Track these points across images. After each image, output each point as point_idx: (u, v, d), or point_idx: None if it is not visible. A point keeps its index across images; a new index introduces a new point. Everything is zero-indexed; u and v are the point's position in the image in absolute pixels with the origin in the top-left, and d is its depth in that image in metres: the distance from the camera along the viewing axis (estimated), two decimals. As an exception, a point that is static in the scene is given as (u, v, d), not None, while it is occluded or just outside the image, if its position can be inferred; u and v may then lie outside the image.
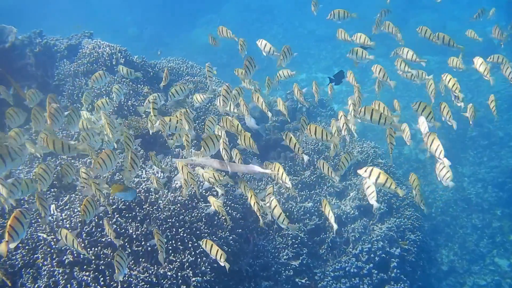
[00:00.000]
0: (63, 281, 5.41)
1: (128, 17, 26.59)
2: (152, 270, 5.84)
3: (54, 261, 5.58)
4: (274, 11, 26.76)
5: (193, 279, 5.96)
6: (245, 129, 5.74)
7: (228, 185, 7.23)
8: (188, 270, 5.98)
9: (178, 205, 6.43)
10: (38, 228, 5.84)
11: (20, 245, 5.68)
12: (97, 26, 22.79)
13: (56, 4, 26.74)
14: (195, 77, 9.63)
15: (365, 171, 4.66)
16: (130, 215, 6.17)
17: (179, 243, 6.15)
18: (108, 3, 27.49)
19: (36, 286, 5.44)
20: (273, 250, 7.41)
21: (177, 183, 6.68)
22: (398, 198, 8.70)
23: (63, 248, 5.59)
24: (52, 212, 6.03)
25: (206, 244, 5.05)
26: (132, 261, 5.83)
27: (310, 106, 11.36)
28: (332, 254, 7.82)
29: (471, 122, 5.95)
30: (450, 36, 6.27)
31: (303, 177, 8.52)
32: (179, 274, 5.91)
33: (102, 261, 5.68)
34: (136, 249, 5.92)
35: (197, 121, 8.33)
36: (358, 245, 7.84)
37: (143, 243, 5.96)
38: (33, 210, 5.78)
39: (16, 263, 5.60)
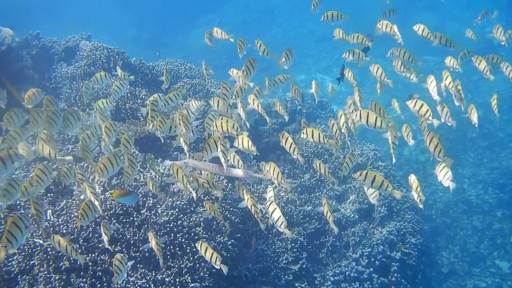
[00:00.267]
0: (60, 288, 5.35)
1: (127, 18, 26.53)
2: (150, 276, 5.78)
3: (50, 267, 5.51)
4: (273, 11, 26.71)
5: (192, 285, 5.89)
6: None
7: (227, 189, 7.18)
8: (186, 276, 5.92)
9: (176, 210, 6.37)
10: (34, 233, 5.77)
11: (16, 251, 5.60)
12: (95, 28, 22.79)
13: (54, 6, 26.66)
14: (194, 79, 9.56)
15: (360, 174, 4.62)
16: (127, 220, 6.11)
17: (177, 249, 6.09)
18: (107, 4, 27.42)
19: (32, 293, 5.38)
20: (272, 255, 7.35)
21: (175, 188, 6.62)
22: (399, 201, 8.64)
23: (59, 254, 5.52)
24: (48, 218, 5.96)
25: (201, 246, 5.00)
26: (130, 267, 5.75)
27: (310, 107, 11.31)
28: (332, 258, 7.76)
29: (475, 123, 5.85)
30: (448, 35, 6.20)
31: (302, 180, 8.45)
32: (177, 280, 5.85)
33: (99, 267, 5.61)
34: (133, 254, 5.86)
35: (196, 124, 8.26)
36: (358, 249, 7.77)
37: (140, 248, 5.89)
38: (30, 215, 5.71)
39: (12, 269, 5.53)
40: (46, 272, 5.48)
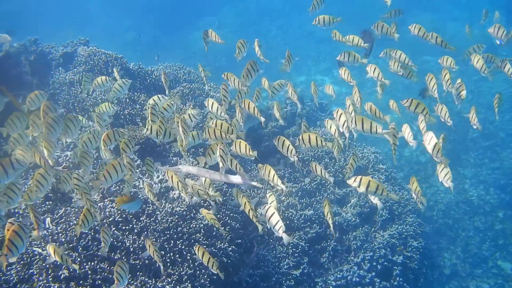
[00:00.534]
0: (59, 297, 5.30)
1: (126, 21, 26.48)
2: (150, 283, 5.73)
3: (49, 276, 5.46)
4: (272, 13, 26.66)
5: (192, 292, 5.85)
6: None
7: (227, 194, 7.13)
8: (187, 283, 5.87)
9: (176, 216, 6.33)
10: (33, 242, 5.72)
11: (15, 260, 5.56)
12: (94, 31, 22.79)
13: (53, 10, 26.62)
14: (193, 84, 9.51)
15: (355, 180, 4.59)
16: (127, 227, 6.06)
17: (177, 256, 6.05)
18: (105, 7, 27.39)
19: (31, 302, 5.34)
20: (273, 260, 7.30)
21: (174, 194, 6.58)
22: (400, 204, 8.59)
23: (58, 263, 5.47)
24: (47, 226, 5.91)
25: (198, 250, 5.01)
26: (130, 275, 5.71)
27: (310, 110, 11.25)
28: (334, 263, 7.71)
29: (474, 125, 5.80)
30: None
31: (303, 184, 8.40)
32: (177, 287, 5.80)
33: (98, 276, 5.56)
34: (133, 262, 5.81)
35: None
36: (360, 253, 7.73)
37: (140, 256, 5.84)
38: (28, 223, 5.67)
39: (11, 278, 5.48)
40: (45, 281, 5.43)
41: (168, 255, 5.99)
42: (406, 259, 7.92)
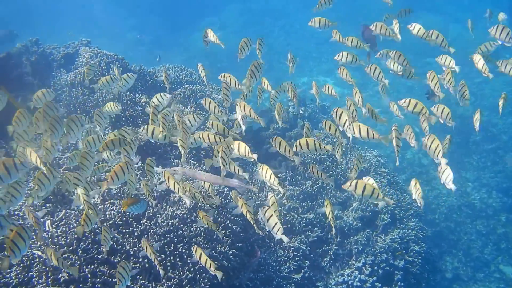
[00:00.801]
0: (58, 301, 5.28)
1: (128, 21, 26.45)
2: (150, 287, 5.70)
3: (49, 279, 5.43)
4: (275, 14, 26.60)
5: (192, 296, 5.81)
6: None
7: (229, 197, 7.09)
8: (187, 287, 5.83)
9: (177, 219, 6.29)
10: (33, 245, 5.69)
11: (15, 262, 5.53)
12: (96, 31, 22.77)
13: (54, 9, 26.59)
14: (194, 85, 9.47)
15: (350, 184, 4.56)
16: (127, 230, 6.03)
17: (178, 259, 6.01)
18: (107, 7, 27.35)
19: (30, 306, 5.30)
20: (274, 264, 7.26)
21: (175, 197, 6.55)
22: (402, 208, 8.55)
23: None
24: (47, 228, 5.88)
25: (196, 251, 5.02)
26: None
27: (312, 112, 11.21)
28: (335, 267, 7.66)
29: (477, 128, 5.74)
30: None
31: (304, 188, 8.36)
32: (177, 291, 5.77)
33: (98, 279, 5.53)
34: (133, 265, 5.77)
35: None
36: (361, 258, 7.68)
37: (140, 259, 5.81)
38: (28, 225, 5.64)
39: (11, 281, 5.45)
40: (44, 284, 5.40)
41: (169, 258, 5.95)
42: (408, 264, 7.87)
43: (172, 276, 5.86)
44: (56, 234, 5.80)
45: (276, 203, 5.17)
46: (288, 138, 9.53)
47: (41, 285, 5.38)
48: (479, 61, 5.88)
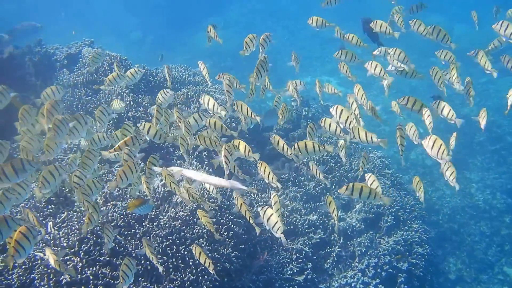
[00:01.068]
0: (60, 303, 5.27)
1: (132, 21, 26.44)
2: (152, 289, 5.69)
3: (51, 281, 5.42)
4: (278, 13, 26.55)
5: (194, 299, 5.79)
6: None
7: (232, 199, 7.06)
8: (189, 290, 5.82)
9: (179, 221, 6.27)
10: (35, 246, 5.68)
11: (16, 264, 5.52)
12: (99, 30, 22.74)
13: (57, 8, 26.59)
14: (198, 86, 9.43)
15: (347, 188, 4.54)
16: (129, 232, 6.01)
17: (180, 261, 5.99)
18: (110, 6, 27.35)
19: (32, 308, 5.30)
20: (276, 265, 7.22)
21: (177, 198, 6.52)
22: (406, 210, 8.50)
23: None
24: (49, 230, 5.87)
25: (195, 249, 5.03)
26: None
27: (316, 112, 11.15)
28: (338, 269, 7.62)
29: (482, 127, 5.67)
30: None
31: (307, 189, 8.32)
32: (180, 293, 5.75)
33: (100, 281, 5.52)
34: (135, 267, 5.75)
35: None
36: (365, 260, 7.64)
37: (142, 261, 5.79)
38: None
39: (13, 283, 5.45)
40: (46, 286, 5.39)
41: (171, 260, 5.93)
42: (411, 266, 7.82)
43: (174, 278, 5.84)
44: (58, 236, 5.80)
45: (279, 202, 5.14)
46: (292, 139, 9.49)
47: (43, 287, 5.37)
48: (481, 58, 5.81)
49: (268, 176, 4.99)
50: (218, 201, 6.62)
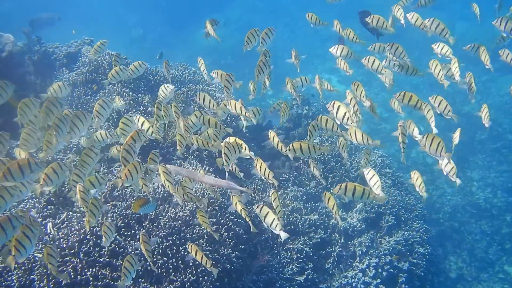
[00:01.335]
0: (60, 305, 5.25)
1: (132, 18, 26.36)
2: (152, 290, 5.67)
3: (50, 282, 5.40)
4: (279, 11, 26.47)
5: (194, 300, 5.78)
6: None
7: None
8: (189, 290, 5.80)
9: (179, 221, 6.24)
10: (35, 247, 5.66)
11: (15, 265, 5.50)
12: (99, 28, 22.67)
13: (57, 5, 26.50)
14: (198, 85, 9.39)
15: (340, 188, 4.49)
16: (129, 233, 5.99)
17: (180, 262, 5.96)
18: (110, 4, 27.27)
19: (32, 309, 5.28)
20: (277, 265, 7.20)
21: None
22: (407, 210, 8.48)
23: (59, 269, 5.41)
24: (49, 231, 5.85)
25: (191, 248, 5.00)
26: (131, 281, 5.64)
27: (316, 111, 11.10)
28: (338, 269, 7.60)
29: (486, 125, 5.62)
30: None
31: (308, 188, 8.30)
32: (179, 294, 5.73)
33: (100, 282, 5.50)
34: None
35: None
36: (365, 259, 7.62)
37: (142, 262, 5.76)
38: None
39: (12, 284, 5.43)
40: (46, 287, 5.37)
41: (171, 261, 5.91)
42: (412, 266, 7.80)
43: (175, 279, 5.82)
44: (58, 236, 5.78)
45: (278, 199, 5.10)
46: (292, 138, 9.46)
47: (42, 288, 5.36)
48: (482, 52, 5.75)
49: (264, 173, 4.94)
50: (218, 202, 6.60)
